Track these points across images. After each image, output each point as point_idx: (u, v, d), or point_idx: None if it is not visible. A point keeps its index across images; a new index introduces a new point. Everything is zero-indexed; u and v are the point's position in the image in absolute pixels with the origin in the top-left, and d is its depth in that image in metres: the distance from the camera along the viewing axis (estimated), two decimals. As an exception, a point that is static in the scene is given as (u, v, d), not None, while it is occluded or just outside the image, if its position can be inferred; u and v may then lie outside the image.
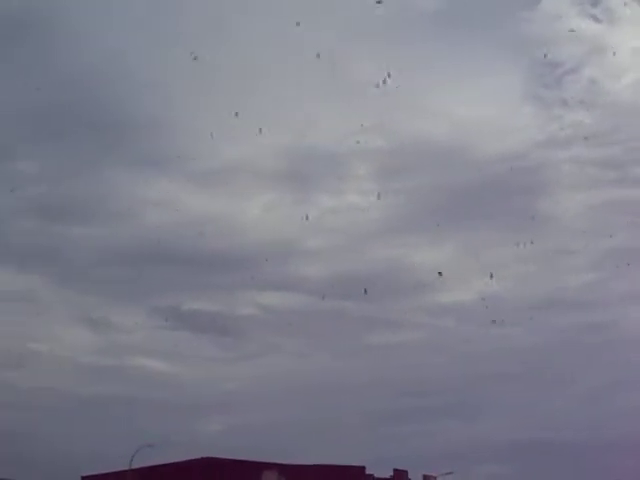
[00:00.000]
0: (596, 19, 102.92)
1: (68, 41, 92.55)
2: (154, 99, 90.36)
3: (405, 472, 58.93)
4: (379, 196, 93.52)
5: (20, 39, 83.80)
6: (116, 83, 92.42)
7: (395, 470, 58.22)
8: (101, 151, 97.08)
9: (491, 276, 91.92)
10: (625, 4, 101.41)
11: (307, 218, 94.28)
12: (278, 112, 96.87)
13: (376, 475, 55.62)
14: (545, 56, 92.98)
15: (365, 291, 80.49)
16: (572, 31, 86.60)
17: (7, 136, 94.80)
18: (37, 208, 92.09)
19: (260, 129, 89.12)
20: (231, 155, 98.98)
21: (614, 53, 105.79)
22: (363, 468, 54.39)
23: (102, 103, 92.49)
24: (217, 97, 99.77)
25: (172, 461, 53.10)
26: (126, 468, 46.73)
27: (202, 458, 54.22)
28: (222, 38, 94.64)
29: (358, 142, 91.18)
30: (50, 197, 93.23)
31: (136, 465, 47.11)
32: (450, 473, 61.56)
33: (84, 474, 54.39)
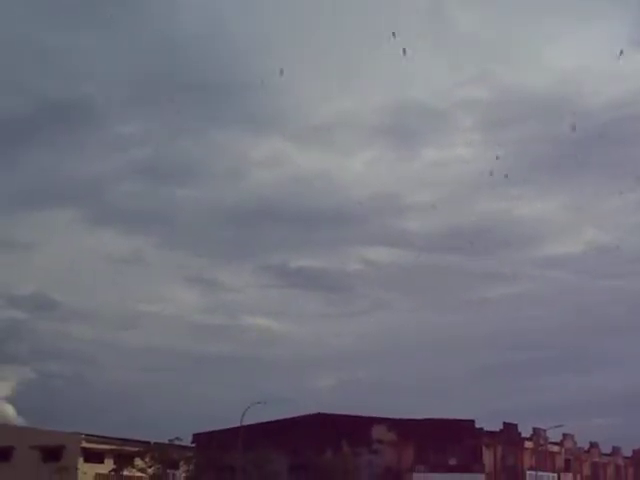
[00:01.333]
0: None
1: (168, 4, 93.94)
2: (257, 61, 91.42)
3: (515, 425, 58.48)
4: (484, 148, 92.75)
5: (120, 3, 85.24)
6: (218, 46, 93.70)
7: (504, 423, 57.90)
8: (205, 113, 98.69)
9: (597, 228, 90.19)
10: None
11: (412, 172, 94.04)
12: (377, 67, 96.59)
13: (486, 428, 55.34)
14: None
15: (471, 244, 79.87)
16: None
17: (111, 100, 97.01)
18: (143, 170, 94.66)
19: (361, 86, 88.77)
20: (333, 112, 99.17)
21: None
22: (473, 422, 54.11)
23: (205, 66, 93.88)
24: (320, 56, 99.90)
25: (284, 417, 54.09)
26: (238, 425, 47.41)
27: (313, 414, 54.88)
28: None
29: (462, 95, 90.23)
30: (155, 159, 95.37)
31: (248, 422, 47.79)
32: (560, 426, 60.92)
33: (196, 431, 55.40)
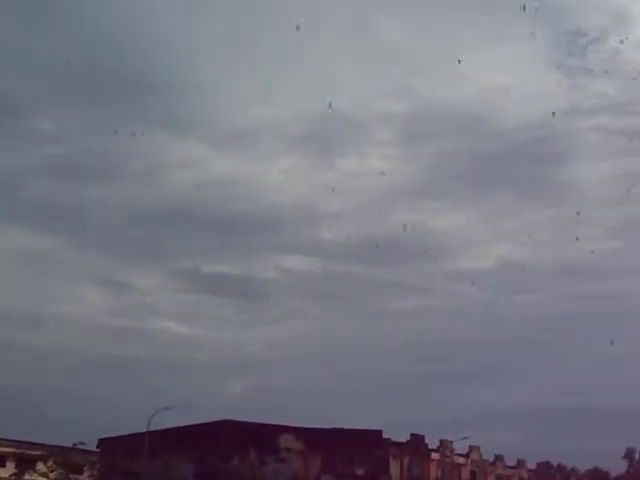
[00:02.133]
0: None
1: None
2: (181, 63, 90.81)
3: (422, 437, 59.08)
4: (401, 161, 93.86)
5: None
6: (142, 45, 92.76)
7: (412, 434, 58.46)
8: (125, 112, 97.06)
9: (511, 243, 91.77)
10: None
11: (328, 182, 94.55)
12: (302, 76, 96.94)
13: (393, 439, 55.80)
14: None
15: (386, 254, 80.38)
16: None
17: (28, 95, 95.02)
18: (57, 168, 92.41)
19: (283, 93, 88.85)
20: (254, 118, 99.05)
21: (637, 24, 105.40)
22: (380, 432, 54.52)
23: (127, 65, 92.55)
24: (243, 61, 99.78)
25: (191, 423, 53.62)
26: (144, 430, 46.91)
27: (221, 420, 54.55)
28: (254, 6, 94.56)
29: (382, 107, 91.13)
30: (71, 157, 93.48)
31: (154, 427, 47.28)
32: (466, 438, 61.89)
33: (102, 436, 54.59)
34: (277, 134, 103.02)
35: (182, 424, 52.53)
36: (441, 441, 61.44)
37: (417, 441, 58.49)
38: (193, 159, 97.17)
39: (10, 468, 50.14)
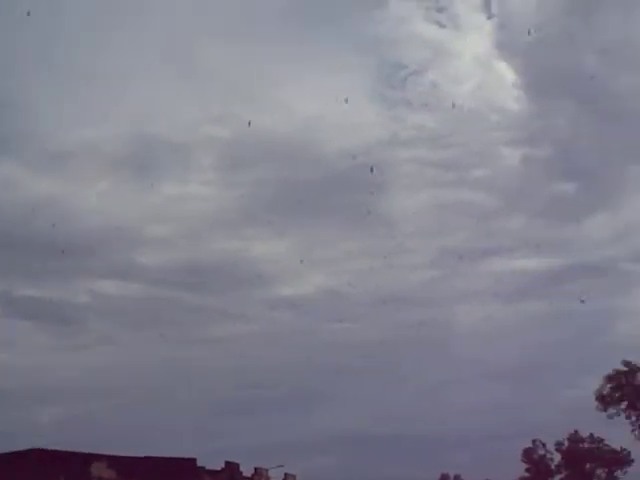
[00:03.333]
0: (441, 25, 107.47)
1: None
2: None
3: (237, 465, 59.34)
4: (223, 187, 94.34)
5: None
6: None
7: (226, 462, 58.63)
8: None
9: (330, 271, 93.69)
10: (469, 12, 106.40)
11: (148, 206, 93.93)
12: (123, 98, 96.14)
13: (207, 467, 55.78)
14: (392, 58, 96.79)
15: (205, 281, 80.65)
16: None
17: None
18: None
19: (104, 115, 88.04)
20: (73, 140, 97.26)
21: (457, 58, 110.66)
22: (194, 460, 54.46)
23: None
24: (61, 81, 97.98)
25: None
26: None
27: (30, 449, 52.97)
28: (71, 24, 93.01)
29: (204, 132, 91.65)
30: None
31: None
32: (281, 466, 62.66)
33: None
34: (96, 156, 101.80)
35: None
36: (256, 469, 61.85)
37: (232, 469, 58.64)
38: (5, 180, 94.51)
39: None
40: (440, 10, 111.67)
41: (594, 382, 63.79)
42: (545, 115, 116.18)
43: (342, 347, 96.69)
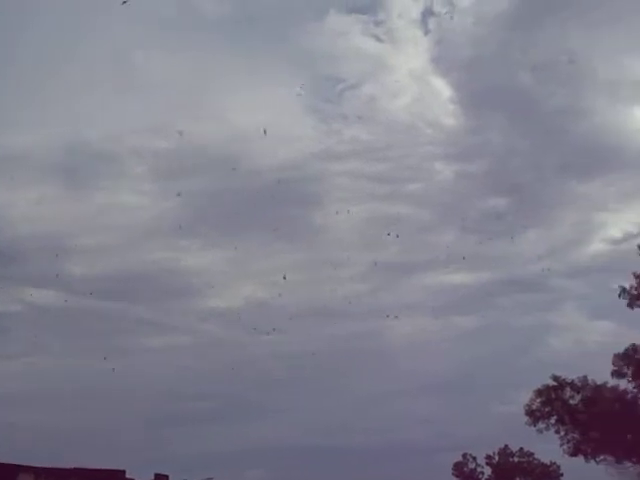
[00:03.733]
0: (379, 39, 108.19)
1: None
2: None
3: (166, 476, 58.77)
4: (156, 197, 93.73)
5: None
6: None
7: (156, 474, 58.05)
8: None
9: (262, 283, 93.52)
10: (407, 27, 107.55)
11: (80, 215, 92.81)
12: (58, 106, 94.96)
13: (137, 479, 55.19)
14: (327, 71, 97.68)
15: (135, 291, 79.89)
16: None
17: None
18: None
19: (37, 122, 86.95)
20: (5, 146, 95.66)
21: (393, 73, 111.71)
22: (123, 472, 53.79)
23: None
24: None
25: None
26: None
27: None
28: (7, 30, 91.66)
29: (137, 142, 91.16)
30: None
31: None
32: (210, 478, 62.19)
33: None
34: (29, 163, 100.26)
35: None
36: (185, 481, 61.42)
37: (161, 481, 58.16)
38: None
39: None
40: (378, 24, 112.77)
41: (524, 397, 64.53)
42: (479, 131, 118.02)
43: (273, 359, 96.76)
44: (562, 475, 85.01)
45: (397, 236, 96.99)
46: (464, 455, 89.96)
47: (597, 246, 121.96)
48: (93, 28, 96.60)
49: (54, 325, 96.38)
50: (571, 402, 61.76)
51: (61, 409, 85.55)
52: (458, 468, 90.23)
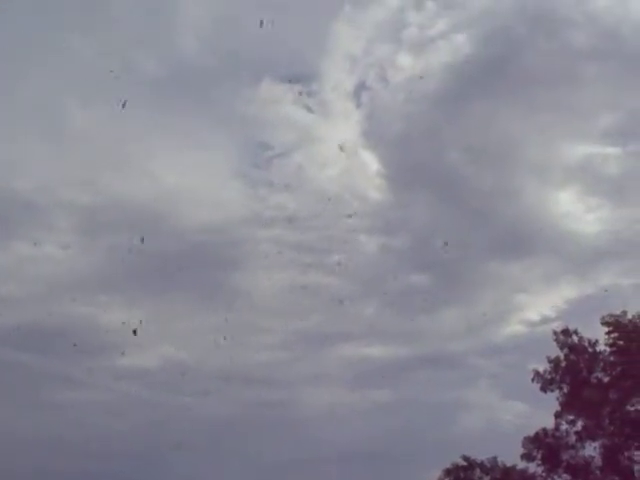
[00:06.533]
0: (310, 109, 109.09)
1: None
2: None
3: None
4: (79, 251, 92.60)
5: None
6: None
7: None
8: None
9: (179, 344, 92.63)
10: (339, 99, 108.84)
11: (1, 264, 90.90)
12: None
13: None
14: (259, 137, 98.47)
15: (49, 345, 78.08)
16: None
17: None
18: None
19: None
20: None
21: (323, 143, 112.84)
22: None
23: None
24: None
25: None
26: None
27: None
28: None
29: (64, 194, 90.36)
30: None
31: None
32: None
33: None
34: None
35: None
36: None
37: None
38: None
39: None
40: (310, 95, 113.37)
41: (434, 474, 64.32)
42: (405, 206, 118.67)
43: (186, 422, 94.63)
44: None
45: (317, 305, 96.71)
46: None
47: (514, 327, 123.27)
48: (29, 78, 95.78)
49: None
50: (479, 483, 61.87)
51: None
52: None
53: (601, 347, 58.22)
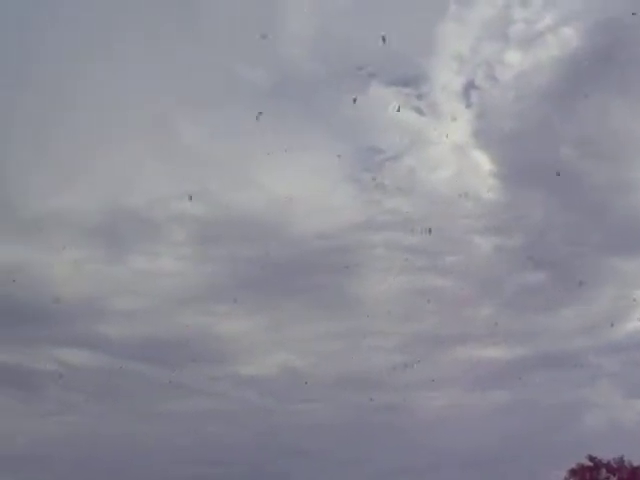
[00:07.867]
0: (420, 112, 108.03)
1: None
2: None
3: None
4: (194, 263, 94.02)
5: None
6: None
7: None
8: None
9: (295, 351, 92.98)
10: (448, 100, 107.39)
11: (118, 278, 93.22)
12: (99, 169, 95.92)
13: None
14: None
15: (167, 355, 79.59)
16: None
17: None
18: None
19: (76, 185, 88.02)
20: (44, 208, 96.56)
21: (434, 145, 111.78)
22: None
23: None
24: (38, 148, 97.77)
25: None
26: None
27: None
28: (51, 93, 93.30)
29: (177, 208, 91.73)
30: None
31: None
32: None
33: None
34: (67, 226, 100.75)
35: None
36: None
37: None
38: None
39: None
40: (419, 97, 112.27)
41: (558, 475, 62.83)
42: (519, 205, 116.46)
43: (301, 428, 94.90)
44: None
45: (432, 308, 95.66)
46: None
47: (635, 324, 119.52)
48: (136, 90, 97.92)
49: (89, 386, 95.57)
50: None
51: (91, 471, 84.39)
52: None
53: None
